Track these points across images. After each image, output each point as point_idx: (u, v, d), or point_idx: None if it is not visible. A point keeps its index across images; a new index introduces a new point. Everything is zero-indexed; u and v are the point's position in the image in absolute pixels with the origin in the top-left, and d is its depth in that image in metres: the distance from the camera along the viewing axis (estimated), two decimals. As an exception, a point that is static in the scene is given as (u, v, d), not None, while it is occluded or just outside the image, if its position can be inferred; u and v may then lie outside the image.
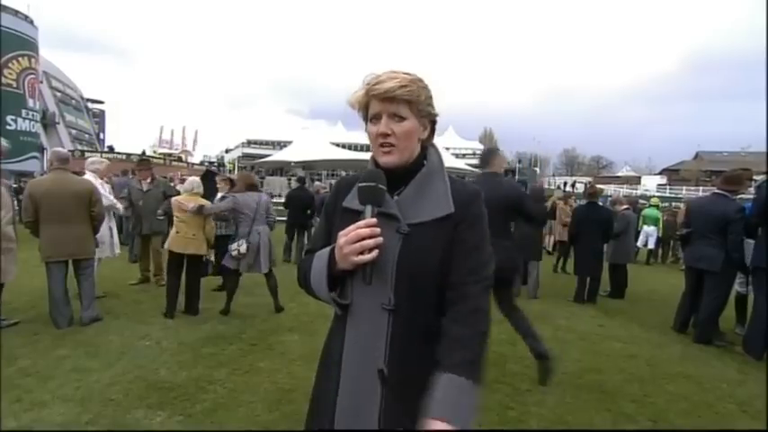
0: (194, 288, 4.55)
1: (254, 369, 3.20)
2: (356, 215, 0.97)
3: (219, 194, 5.56)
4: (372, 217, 0.91)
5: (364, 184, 0.94)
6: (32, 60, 24.78)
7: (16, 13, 23.71)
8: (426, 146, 1.03)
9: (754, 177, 6.24)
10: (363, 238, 0.87)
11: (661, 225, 10.33)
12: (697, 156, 46.74)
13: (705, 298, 4.29)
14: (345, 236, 0.89)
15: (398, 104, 0.93)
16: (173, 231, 4.43)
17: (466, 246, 0.95)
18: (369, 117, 0.97)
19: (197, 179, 4.85)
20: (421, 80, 0.97)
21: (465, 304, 0.93)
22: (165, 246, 4.52)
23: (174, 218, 4.43)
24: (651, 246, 10.33)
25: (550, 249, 8.94)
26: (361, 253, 0.88)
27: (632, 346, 4.17)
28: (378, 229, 0.88)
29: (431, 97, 0.99)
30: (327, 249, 0.97)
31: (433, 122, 1.02)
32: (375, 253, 0.88)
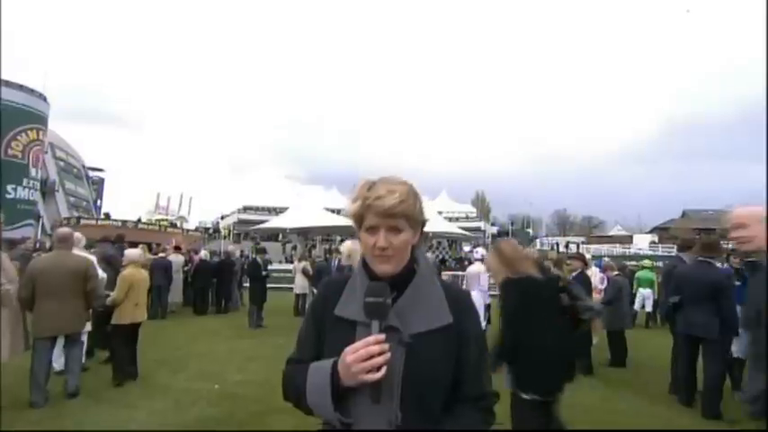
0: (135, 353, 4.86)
1: (243, 458, 3.02)
2: (351, 325, 0.96)
3: None
4: (381, 332, 0.89)
5: (372, 300, 0.92)
6: (40, 133, 25.86)
7: (32, 91, 25.29)
8: (414, 248, 1.03)
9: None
10: (373, 356, 0.85)
11: (656, 287, 10.32)
12: (684, 214, 47.89)
13: (708, 368, 4.21)
14: (353, 353, 0.86)
15: (397, 219, 0.95)
16: (129, 304, 4.55)
17: (470, 365, 1.00)
18: (365, 227, 0.98)
19: (138, 251, 5.28)
20: (412, 188, 1.00)
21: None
22: (124, 319, 4.55)
23: (128, 290, 4.55)
24: (648, 308, 10.25)
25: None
26: (370, 371, 0.85)
27: (639, 419, 4.01)
28: (387, 346, 0.87)
29: (422, 204, 1.02)
30: (327, 364, 0.93)
31: (423, 226, 1.04)
32: (384, 371, 0.86)
